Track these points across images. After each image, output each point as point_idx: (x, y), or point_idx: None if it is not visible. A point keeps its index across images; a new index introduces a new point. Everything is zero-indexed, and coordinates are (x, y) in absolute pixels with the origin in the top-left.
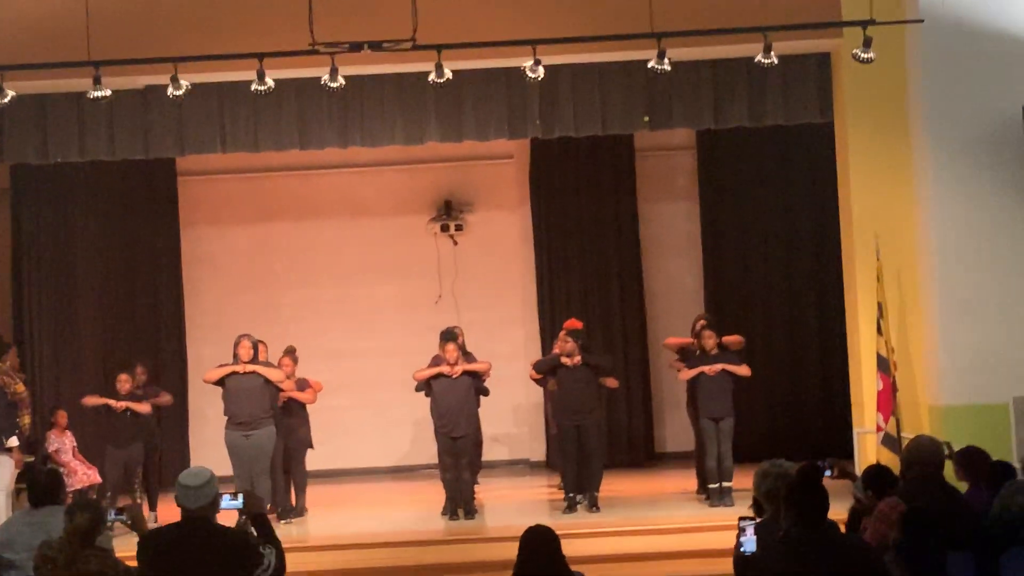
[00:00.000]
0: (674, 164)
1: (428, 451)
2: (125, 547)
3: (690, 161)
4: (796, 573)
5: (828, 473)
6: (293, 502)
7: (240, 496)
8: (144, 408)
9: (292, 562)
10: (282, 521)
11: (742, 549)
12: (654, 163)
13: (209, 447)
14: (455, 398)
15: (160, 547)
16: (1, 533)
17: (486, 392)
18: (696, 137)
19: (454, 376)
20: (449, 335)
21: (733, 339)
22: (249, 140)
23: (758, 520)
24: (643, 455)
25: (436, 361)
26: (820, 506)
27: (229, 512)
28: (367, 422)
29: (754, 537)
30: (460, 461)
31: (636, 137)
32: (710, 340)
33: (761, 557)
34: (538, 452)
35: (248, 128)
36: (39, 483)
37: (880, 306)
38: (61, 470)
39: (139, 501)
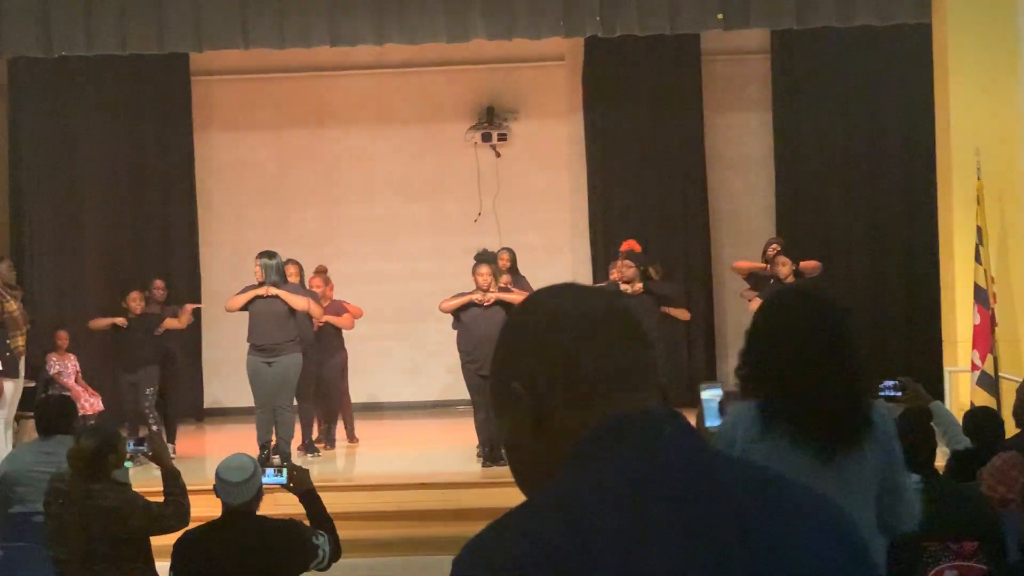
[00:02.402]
0: (746, 69)
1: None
2: (144, 481)
3: (764, 66)
4: None
5: (897, 395)
6: (316, 435)
7: (284, 471)
8: (173, 324)
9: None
10: (308, 455)
11: None
12: (723, 68)
13: (223, 375)
14: (486, 330)
15: (199, 549)
16: (7, 465)
17: None
18: (771, 39)
19: (486, 304)
20: (484, 256)
21: (810, 265)
22: (274, 35)
23: None
24: None
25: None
26: (926, 451)
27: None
28: (396, 354)
29: None
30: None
31: (704, 39)
32: (785, 267)
33: None
34: None
35: (273, 22)
36: (49, 410)
37: (979, 231)
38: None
39: (155, 429)
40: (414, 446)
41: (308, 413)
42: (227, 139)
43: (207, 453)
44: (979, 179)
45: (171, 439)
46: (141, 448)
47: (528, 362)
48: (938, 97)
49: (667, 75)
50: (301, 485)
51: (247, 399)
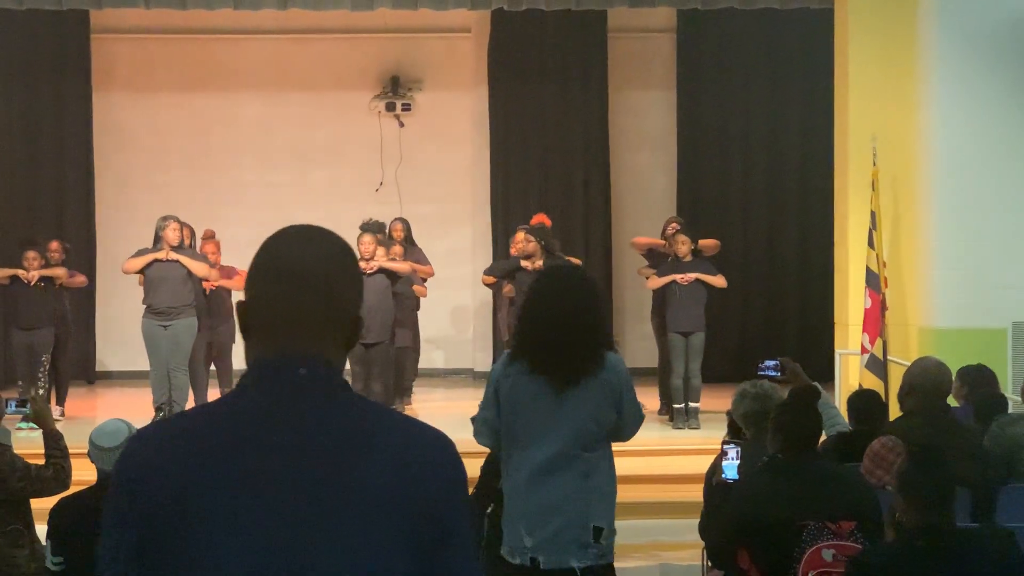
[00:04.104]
0: (651, 48)
1: None
2: (27, 444)
3: (669, 45)
4: (781, 504)
5: (776, 375)
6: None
7: (28, 404)
8: (59, 272)
9: None
10: None
11: (724, 476)
12: (629, 46)
13: (116, 338)
14: (368, 300)
15: (74, 515)
16: None
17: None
18: (677, 18)
19: (368, 272)
20: (368, 226)
21: (709, 243)
22: None
23: (741, 443)
24: None
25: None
26: (811, 432)
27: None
28: None
29: (737, 462)
30: (371, 371)
31: (610, 16)
32: (684, 246)
33: (742, 485)
34: (483, 362)
35: None
36: None
37: (873, 216)
38: None
39: (41, 393)
40: None
41: (202, 377)
42: (126, 100)
43: (97, 416)
44: (874, 165)
45: (60, 401)
46: (23, 410)
47: (248, 289)
48: (837, 82)
49: (573, 51)
50: (40, 413)
51: (140, 363)
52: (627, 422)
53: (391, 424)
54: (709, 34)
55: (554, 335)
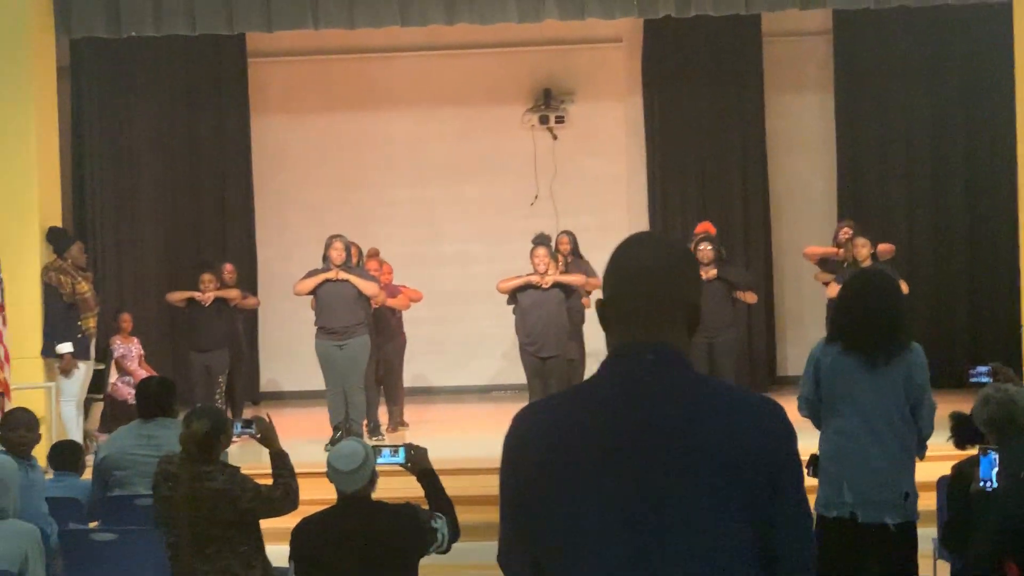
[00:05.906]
0: (807, 50)
1: (520, 371)
2: (251, 462)
3: (825, 47)
4: None
5: (989, 380)
6: (385, 418)
7: (401, 450)
8: (232, 293)
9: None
10: (373, 438)
11: (982, 484)
12: (784, 49)
13: (280, 358)
14: (544, 313)
15: (316, 536)
16: (108, 448)
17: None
18: (833, 19)
19: (544, 287)
20: (541, 239)
21: (886, 248)
22: (343, 15)
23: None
24: (765, 377)
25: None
26: None
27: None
28: (450, 337)
29: (997, 468)
30: (548, 384)
31: (764, 19)
32: (864, 249)
33: (1007, 493)
34: None
35: (342, 2)
36: (149, 393)
37: None
38: (130, 379)
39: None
40: (467, 430)
41: (372, 396)
42: (281, 121)
43: None
44: None
45: None
46: (249, 430)
47: (605, 288)
48: (1019, 76)
49: (727, 56)
50: (419, 464)
51: (303, 382)
52: (926, 406)
53: (726, 394)
54: (866, 34)
55: (865, 319)
